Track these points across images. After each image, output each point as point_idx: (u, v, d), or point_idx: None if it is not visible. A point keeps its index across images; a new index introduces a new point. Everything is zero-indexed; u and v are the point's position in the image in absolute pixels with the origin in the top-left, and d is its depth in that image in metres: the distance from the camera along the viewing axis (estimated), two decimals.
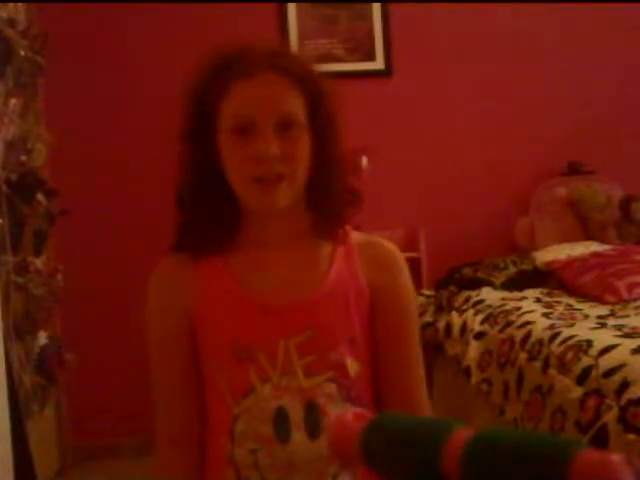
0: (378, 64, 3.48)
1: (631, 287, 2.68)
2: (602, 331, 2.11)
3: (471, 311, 2.79)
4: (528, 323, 2.38)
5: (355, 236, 1.13)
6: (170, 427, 1.09)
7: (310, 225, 1.09)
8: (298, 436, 1.02)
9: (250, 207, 1.06)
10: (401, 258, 1.14)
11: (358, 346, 1.07)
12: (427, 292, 3.20)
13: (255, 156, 1.00)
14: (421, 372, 1.14)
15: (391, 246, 1.14)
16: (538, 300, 2.72)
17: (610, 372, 1.79)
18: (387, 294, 1.09)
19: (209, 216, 1.06)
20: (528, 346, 2.26)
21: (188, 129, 1.06)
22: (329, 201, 1.08)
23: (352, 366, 1.05)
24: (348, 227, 1.13)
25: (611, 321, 2.26)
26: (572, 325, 2.23)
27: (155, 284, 1.11)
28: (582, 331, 2.12)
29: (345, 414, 0.65)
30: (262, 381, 1.03)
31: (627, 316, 2.33)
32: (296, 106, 1.03)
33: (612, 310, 2.47)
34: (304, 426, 1.02)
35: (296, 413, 1.02)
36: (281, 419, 1.02)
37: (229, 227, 1.08)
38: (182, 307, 1.07)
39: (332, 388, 1.03)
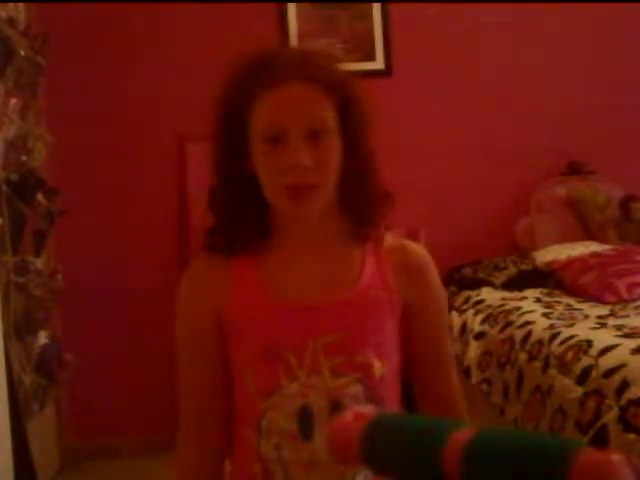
0: (378, 64, 3.48)
1: (631, 287, 2.68)
2: (602, 331, 2.11)
3: (471, 311, 2.79)
4: (528, 323, 2.38)
5: (387, 238, 1.14)
6: (192, 422, 1.12)
7: (343, 227, 1.10)
8: (321, 435, 1.02)
9: (282, 213, 1.08)
10: (431, 262, 1.15)
11: (386, 349, 1.08)
12: None
13: (286, 166, 1.01)
14: (455, 372, 1.17)
15: (420, 250, 1.16)
16: (538, 300, 2.72)
17: (610, 372, 1.79)
18: (419, 302, 1.12)
19: (242, 218, 1.08)
20: (528, 346, 2.26)
21: (220, 135, 1.08)
22: (362, 203, 1.09)
23: (378, 368, 1.06)
24: (383, 229, 1.14)
25: (611, 321, 2.26)
26: (572, 325, 2.23)
27: (187, 283, 1.13)
28: (582, 331, 2.12)
29: (345, 414, 0.65)
30: (289, 380, 1.05)
31: (627, 316, 2.33)
32: (326, 113, 1.04)
33: (612, 310, 2.47)
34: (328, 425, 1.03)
35: (321, 412, 1.04)
36: (305, 417, 1.04)
37: (261, 229, 1.10)
38: (213, 306, 1.09)
39: (358, 389, 1.05)
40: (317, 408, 1.04)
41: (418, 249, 1.16)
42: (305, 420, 1.04)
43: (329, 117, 1.04)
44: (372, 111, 1.11)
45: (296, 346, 1.04)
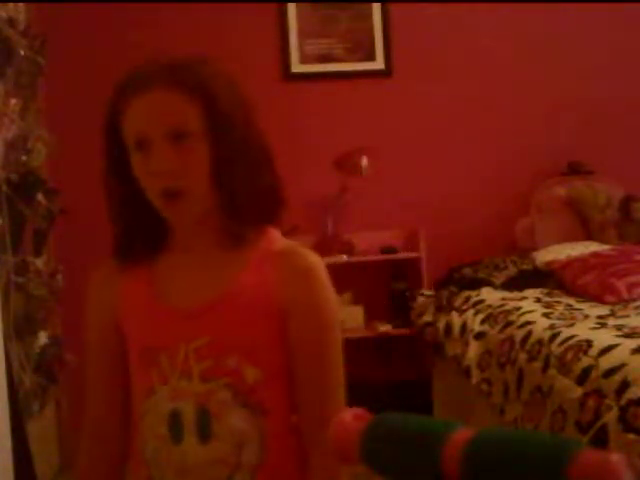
0: (378, 64, 3.49)
1: (631, 287, 2.68)
2: (602, 331, 2.11)
3: (471, 311, 2.79)
4: (528, 323, 2.38)
5: (276, 241, 1.12)
6: (91, 420, 1.16)
7: (223, 230, 1.09)
8: (189, 439, 1.04)
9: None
10: (321, 270, 1.10)
11: (260, 354, 1.06)
12: (427, 292, 3.20)
13: (151, 172, 1.03)
14: (336, 394, 1.09)
15: (312, 257, 1.10)
16: (538, 300, 2.72)
17: (610, 372, 1.79)
18: (302, 308, 1.07)
19: (132, 229, 1.11)
20: (528, 346, 2.26)
21: (104, 149, 1.10)
22: (232, 204, 1.06)
23: (251, 373, 1.05)
24: (270, 230, 1.12)
25: (611, 321, 2.26)
26: (572, 325, 2.23)
27: (90, 287, 1.18)
28: (582, 331, 2.12)
29: (345, 414, 0.65)
30: (162, 383, 1.06)
31: (627, 316, 2.33)
32: (187, 116, 1.03)
33: (612, 310, 2.47)
34: (195, 430, 1.04)
35: (188, 416, 1.04)
36: (175, 421, 1.05)
37: (153, 237, 1.12)
38: (109, 312, 1.13)
39: (227, 394, 1.04)
40: (185, 412, 1.04)
41: (310, 255, 1.10)
42: (175, 424, 1.05)
43: (190, 120, 1.03)
44: (247, 111, 1.08)
45: (170, 350, 1.06)
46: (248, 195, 1.07)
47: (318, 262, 1.10)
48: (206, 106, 1.04)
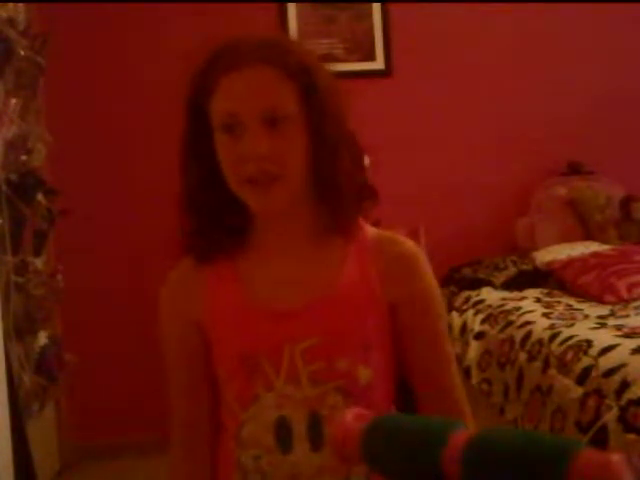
0: (378, 64, 3.48)
1: (631, 287, 2.68)
2: (602, 331, 2.11)
3: (471, 311, 2.79)
4: (528, 323, 2.38)
5: (370, 232, 1.06)
6: (179, 430, 1.09)
7: (319, 223, 1.02)
8: (300, 447, 0.98)
9: (253, 210, 1.01)
10: (421, 255, 1.05)
11: (373, 353, 1.00)
12: None
13: (243, 156, 0.94)
14: (456, 372, 1.07)
15: (408, 243, 1.06)
16: (538, 300, 2.72)
17: (610, 372, 1.79)
18: (407, 298, 1.02)
19: (214, 220, 1.02)
20: (528, 346, 2.26)
21: (185, 131, 1.02)
22: (334, 195, 1.00)
23: (363, 374, 0.99)
24: (362, 222, 1.06)
25: (611, 321, 2.26)
26: (572, 325, 2.23)
27: (166, 292, 1.09)
28: (582, 331, 2.12)
29: (346, 414, 0.65)
30: (266, 390, 0.98)
31: (627, 316, 2.33)
32: (285, 98, 0.95)
33: (612, 310, 2.47)
34: (307, 437, 0.97)
35: (299, 424, 0.97)
36: (283, 429, 0.98)
37: (236, 230, 1.03)
38: (192, 316, 1.04)
39: (338, 398, 0.97)
40: (295, 420, 0.97)
41: (407, 242, 1.06)
42: (282, 433, 0.98)
43: (289, 102, 0.95)
44: (342, 100, 1.02)
45: (272, 353, 0.98)
46: (349, 186, 1.01)
47: (417, 249, 1.06)
48: (306, 88, 0.96)
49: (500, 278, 3.03)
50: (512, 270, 3.09)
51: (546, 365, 2.09)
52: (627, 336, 1.99)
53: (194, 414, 1.07)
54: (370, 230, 1.07)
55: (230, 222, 1.03)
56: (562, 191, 3.45)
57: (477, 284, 3.01)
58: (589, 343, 1.98)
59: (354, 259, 1.02)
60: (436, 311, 1.06)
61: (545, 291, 2.88)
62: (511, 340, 2.39)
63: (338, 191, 1.00)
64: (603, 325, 2.20)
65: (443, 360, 1.06)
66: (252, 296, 1.01)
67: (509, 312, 2.57)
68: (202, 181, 1.01)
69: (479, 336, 2.62)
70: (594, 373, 1.84)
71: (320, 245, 1.03)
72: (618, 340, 1.95)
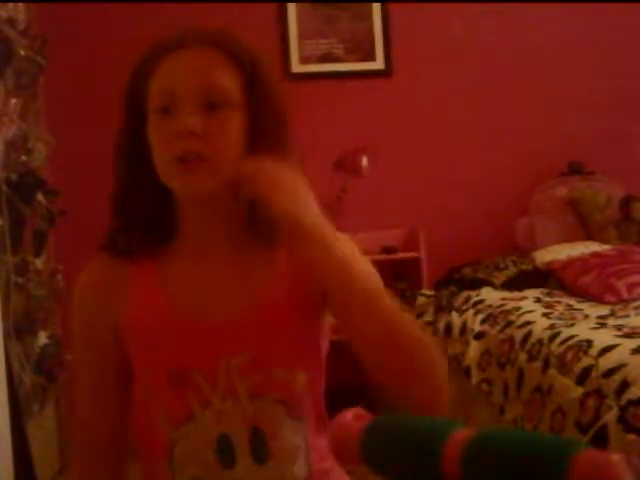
0: (378, 64, 3.49)
1: (631, 287, 2.68)
2: (602, 331, 2.11)
3: (471, 311, 2.79)
4: (528, 323, 2.38)
5: None
6: (81, 434, 1.03)
7: (246, 224, 0.95)
8: (244, 461, 0.94)
9: (175, 192, 0.95)
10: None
11: (309, 357, 0.98)
12: (427, 292, 3.20)
13: (174, 133, 0.89)
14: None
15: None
16: (538, 300, 2.72)
17: (610, 372, 1.79)
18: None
19: (142, 215, 0.97)
20: (528, 346, 2.26)
21: (122, 117, 0.97)
22: None
23: (299, 380, 0.96)
24: None
25: (611, 321, 2.26)
26: (572, 325, 2.23)
27: (82, 285, 1.02)
28: (582, 331, 2.12)
29: (345, 414, 0.65)
30: (202, 406, 0.93)
31: (627, 316, 2.33)
32: (226, 82, 0.91)
33: (612, 310, 2.47)
34: (250, 451, 0.94)
35: (241, 439, 0.94)
36: (224, 445, 0.94)
37: (164, 229, 0.98)
38: (108, 316, 0.97)
39: (279, 409, 0.94)
40: (236, 436, 0.93)
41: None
42: (224, 449, 0.94)
43: (230, 88, 0.92)
44: (286, 100, 0.98)
45: (206, 368, 0.93)
46: None
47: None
48: (250, 79, 0.93)
49: (500, 278, 3.03)
50: (512, 270, 3.09)
51: (546, 365, 2.09)
52: (627, 336, 1.99)
53: (99, 422, 1.02)
54: None
55: (159, 219, 0.98)
56: (562, 191, 3.45)
57: (477, 284, 3.01)
58: (589, 343, 1.98)
59: (283, 265, 0.97)
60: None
61: (545, 291, 2.88)
62: (511, 340, 2.39)
63: None
64: (603, 325, 2.20)
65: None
66: (179, 305, 0.95)
67: (509, 312, 2.57)
68: (132, 176, 0.96)
69: (479, 336, 2.62)
70: (594, 373, 1.84)
71: (250, 250, 0.97)
72: (618, 340, 1.95)
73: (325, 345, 1.02)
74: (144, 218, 0.97)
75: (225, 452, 0.94)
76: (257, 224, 0.94)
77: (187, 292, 0.96)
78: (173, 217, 0.98)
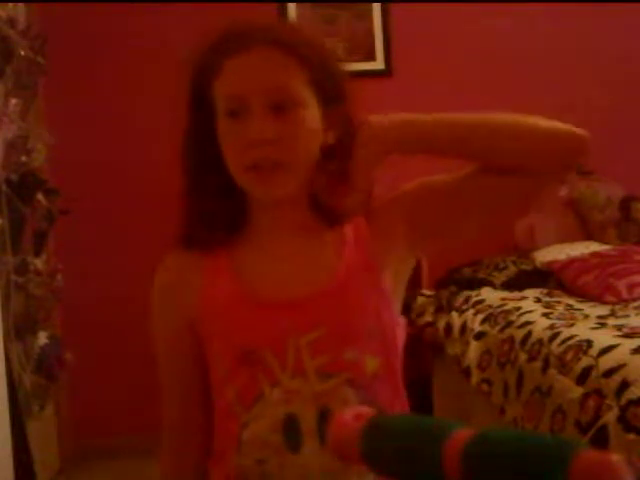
0: (378, 64, 3.48)
1: (631, 287, 2.68)
2: (602, 331, 2.11)
3: (471, 311, 2.79)
4: (528, 323, 2.38)
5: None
6: (170, 437, 1.05)
7: (317, 208, 0.99)
8: (310, 445, 0.92)
9: (254, 198, 0.97)
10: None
11: (380, 338, 0.97)
12: (427, 292, 3.20)
13: (246, 141, 0.91)
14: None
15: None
16: (538, 300, 2.72)
17: (610, 372, 1.79)
18: (386, 217, 1.00)
19: (213, 209, 0.98)
20: (528, 346, 2.26)
21: (188, 117, 0.99)
22: (342, 189, 0.98)
23: (370, 364, 0.95)
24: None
25: (611, 321, 2.26)
26: (572, 325, 2.23)
27: (159, 283, 1.04)
28: (582, 331, 2.12)
29: (345, 414, 0.65)
30: (272, 385, 0.93)
31: (627, 316, 2.33)
32: (294, 81, 0.92)
33: (612, 310, 2.47)
34: (317, 434, 0.92)
35: (308, 420, 0.92)
36: (291, 427, 0.92)
37: (235, 220, 0.99)
38: (186, 309, 0.99)
39: (348, 391, 0.93)
40: (304, 416, 0.92)
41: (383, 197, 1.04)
42: (291, 430, 0.92)
43: (298, 87, 0.92)
44: (351, 88, 1.00)
45: (275, 346, 0.93)
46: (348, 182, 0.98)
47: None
48: (315, 71, 0.94)
49: (500, 278, 3.03)
50: (512, 270, 3.08)
51: (546, 365, 2.09)
52: (627, 336, 1.99)
53: (187, 420, 1.03)
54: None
55: (230, 210, 0.99)
56: (562, 191, 3.45)
57: (477, 284, 3.01)
58: (589, 343, 1.98)
59: (352, 243, 0.99)
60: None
61: (545, 291, 2.88)
62: (511, 340, 2.39)
63: (339, 180, 0.98)
64: (603, 325, 2.20)
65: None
66: (250, 287, 0.96)
67: (509, 312, 2.57)
68: (204, 168, 0.98)
69: (479, 336, 2.62)
70: (594, 373, 1.84)
71: (318, 231, 0.99)
72: (618, 340, 1.95)
73: (401, 335, 1.04)
74: (216, 211, 0.98)
75: (292, 433, 0.92)
76: (322, 206, 0.97)
77: (257, 275, 0.97)
78: (243, 208, 1.00)
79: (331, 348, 0.93)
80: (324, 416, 0.92)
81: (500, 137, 0.97)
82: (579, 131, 1.06)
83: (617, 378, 1.75)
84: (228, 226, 0.99)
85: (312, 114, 0.94)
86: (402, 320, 1.06)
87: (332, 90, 0.96)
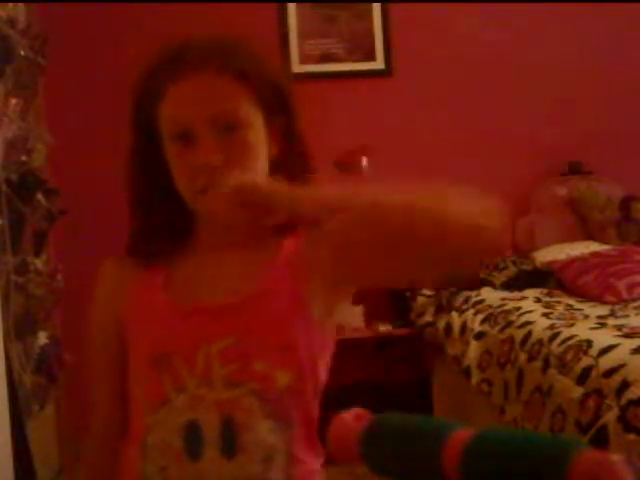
0: (378, 64, 3.48)
1: (631, 287, 2.68)
2: (602, 331, 2.11)
3: (471, 311, 2.79)
4: (528, 323, 2.38)
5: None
6: (94, 426, 1.09)
7: (262, 227, 0.96)
8: (211, 454, 0.91)
9: (199, 215, 0.99)
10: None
11: (293, 354, 0.95)
12: (427, 292, 3.20)
13: (195, 166, 0.92)
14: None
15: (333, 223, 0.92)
16: (538, 300, 2.72)
17: (610, 372, 1.79)
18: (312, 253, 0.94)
19: (157, 224, 1.01)
20: (528, 346, 2.26)
21: (133, 135, 1.02)
22: None
23: (281, 378, 0.93)
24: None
25: (611, 321, 2.27)
26: (572, 325, 2.24)
27: (98, 281, 1.10)
28: (582, 331, 2.12)
29: (345, 414, 0.65)
30: (178, 391, 0.93)
31: (627, 316, 2.33)
32: (240, 104, 0.93)
33: (612, 310, 2.47)
34: (219, 443, 0.91)
35: (210, 428, 0.91)
36: (192, 433, 0.91)
37: (177, 234, 1.01)
38: (113, 312, 1.03)
39: (254, 401, 0.91)
40: (206, 423, 0.91)
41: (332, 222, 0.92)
42: (192, 437, 0.91)
43: (244, 109, 0.93)
44: (301, 108, 1.01)
45: (186, 352, 0.93)
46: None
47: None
48: (260, 88, 0.95)
49: (500, 278, 3.03)
50: (512, 270, 3.09)
51: (546, 365, 2.09)
52: (627, 336, 1.99)
53: (109, 412, 1.06)
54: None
55: (173, 225, 1.01)
56: (562, 191, 3.45)
57: (477, 284, 3.01)
58: (589, 343, 1.98)
59: (286, 258, 0.97)
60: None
61: (545, 291, 2.88)
62: (511, 340, 2.39)
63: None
64: (603, 325, 2.20)
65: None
66: (176, 296, 0.98)
67: (509, 312, 2.57)
68: (147, 186, 1.01)
69: (479, 336, 2.62)
70: (594, 373, 1.84)
71: (257, 242, 0.99)
72: (618, 340, 1.95)
73: (324, 355, 0.99)
74: (159, 226, 1.01)
75: (193, 440, 0.91)
76: (261, 220, 0.93)
77: (186, 285, 0.99)
78: (187, 222, 1.01)
79: (240, 358, 0.92)
80: (228, 425, 0.91)
81: (398, 225, 0.82)
82: (490, 223, 0.87)
83: (617, 378, 1.75)
84: (170, 240, 1.01)
85: (258, 131, 0.95)
86: (331, 342, 1.01)
87: (276, 104, 0.97)
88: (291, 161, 0.99)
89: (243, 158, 0.93)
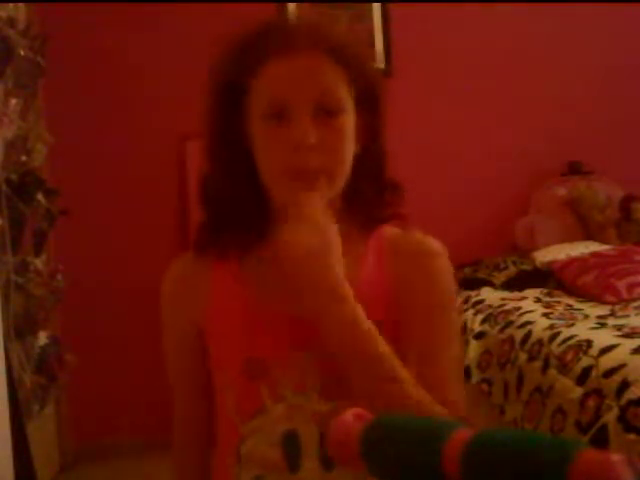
0: (378, 64, 3.48)
1: (631, 287, 2.68)
2: (602, 331, 2.11)
3: (471, 311, 2.79)
4: (528, 323, 2.38)
5: (387, 231, 0.99)
6: (179, 433, 1.04)
7: (347, 224, 0.92)
8: (310, 465, 0.88)
9: (282, 207, 0.91)
10: (442, 256, 0.97)
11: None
12: None
13: (290, 145, 0.86)
14: (455, 375, 0.93)
15: (426, 239, 0.99)
16: (538, 300, 2.72)
17: (610, 372, 1.79)
18: (410, 291, 0.92)
19: (235, 217, 0.94)
20: (528, 346, 2.26)
21: (214, 116, 0.93)
22: (372, 199, 0.96)
23: None
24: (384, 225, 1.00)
25: (611, 321, 2.27)
26: (572, 325, 2.24)
27: (168, 285, 1.01)
28: (582, 331, 2.12)
29: (345, 414, 0.65)
30: (274, 400, 0.90)
31: (627, 316, 2.33)
32: (340, 87, 0.89)
33: (612, 310, 2.47)
34: (318, 455, 0.88)
35: (309, 439, 0.88)
36: (291, 444, 0.89)
37: (256, 231, 0.95)
38: (193, 313, 0.97)
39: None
40: (305, 434, 0.88)
41: (429, 239, 0.98)
42: (291, 448, 0.89)
43: (343, 93, 0.90)
44: (385, 94, 0.97)
45: (283, 361, 0.89)
46: (382, 190, 0.97)
47: (438, 248, 0.97)
48: (356, 78, 0.91)
49: (500, 278, 3.03)
50: (512, 270, 3.09)
51: (546, 365, 2.09)
52: (627, 336, 1.99)
53: (195, 416, 1.03)
54: (388, 229, 0.99)
55: (251, 222, 0.94)
56: (562, 191, 3.45)
57: (477, 284, 3.01)
58: (589, 343, 1.98)
59: (371, 260, 0.95)
60: (445, 304, 0.95)
61: (545, 291, 2.88)
62: (511, 340, 2.39)
63: (377, 198, 0.96)
64: (603, 325, 2.20)
65: (444, 360, 0.91)
66: (261, 297, 0.93)
67: (509, 312, 2.57)
68: (229, 172, 0.94)
69: (479, 336, 2.62)
70: (594, 373, 1.84)
71: (343, 246, 0.92)
72: (618, 340, 1.95)
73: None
74: (235, 218, 0.94)
75: (291, 451, 0.89)
76: (354, 222, 0.94)
77: (271, 284, 0.92)
78: (265, 215, 0.95)
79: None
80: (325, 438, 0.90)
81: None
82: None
83: (617, 378, 1.75)
84: (247, 237, 0.95)
85: (351, 121, 0.92)
86: None
87: (367, 98, 0.93)
88: (371, 161, 0.95)
89: (338, 145, 0.89)
